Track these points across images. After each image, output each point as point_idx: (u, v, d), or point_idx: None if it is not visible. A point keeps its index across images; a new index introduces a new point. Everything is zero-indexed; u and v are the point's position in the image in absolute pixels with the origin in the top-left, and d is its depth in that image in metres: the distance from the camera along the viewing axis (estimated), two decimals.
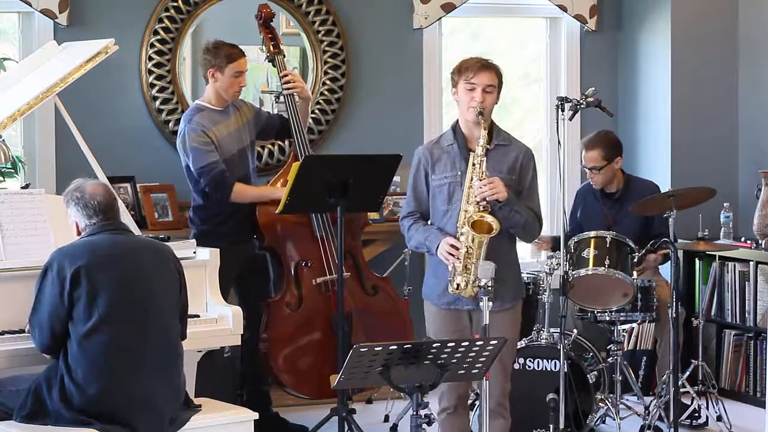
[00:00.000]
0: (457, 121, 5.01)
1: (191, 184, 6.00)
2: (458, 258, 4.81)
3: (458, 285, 4.83)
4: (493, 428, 4.94)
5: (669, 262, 5.99)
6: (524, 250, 6.74)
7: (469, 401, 5.83)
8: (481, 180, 4.82)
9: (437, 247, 4.88)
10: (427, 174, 5.01)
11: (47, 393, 4.37)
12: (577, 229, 6.45)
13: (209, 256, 5.14)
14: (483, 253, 4.79)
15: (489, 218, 4.81)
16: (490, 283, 4.58)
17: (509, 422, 5.04)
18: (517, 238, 5.09)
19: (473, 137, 4.93)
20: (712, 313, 7.08)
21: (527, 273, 6.14)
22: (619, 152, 6.53)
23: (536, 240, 6.40)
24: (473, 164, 4.85)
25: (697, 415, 6.39)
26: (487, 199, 4.81)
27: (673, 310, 5.74)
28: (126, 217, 5.05)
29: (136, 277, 4.44)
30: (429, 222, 5.04)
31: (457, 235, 4.85)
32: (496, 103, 4.97)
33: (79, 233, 4.54)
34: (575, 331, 6.20)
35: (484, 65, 4.94)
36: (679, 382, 5.92)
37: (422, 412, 4.02)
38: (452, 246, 4.83)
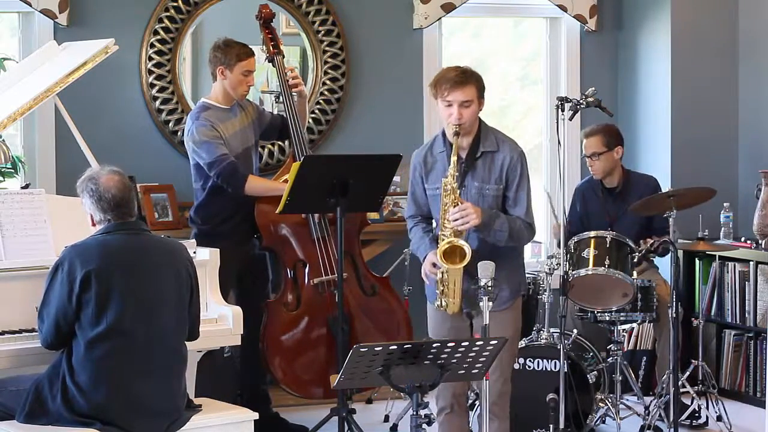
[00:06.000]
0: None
1: (197, 183, 5.99)
2: (435, 276, 4.85)
3: (442, 303, 4.89)
4: (488, 430, 4.93)
5: (669, 261, 5.98)
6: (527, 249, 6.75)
7: (469, 401, 5.85)
8: (454, 207, 4.81)
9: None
10: (423, 180, 5.03)
11: (49, 393, 4.36)
12: (579, 225, 6.46)
13: (209, 256, 5.13)
14: (460, 279, 4.82)
15: (460, 242, 4.80)
16: (490, 283, 4.58)
17: (506, 424, 5.03)
18: None
19: (460, 146, 4.92)
20: (712, 313, 7.08)
21: (527, 273, 6.14)
22: (620, 142, 6.57)
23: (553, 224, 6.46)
24: (446, 191, 4.83)
25: (697, 415, 6.39)
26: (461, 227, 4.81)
27: (673, 310, 5.74)
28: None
29: (147, 284, 4.39)
30: (433, 222, 5.06)
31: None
32: (481, 110, 4.95)
33: (93, 224, 4.48)
34: (575, 331, 6.20)
35: (457, 82, 4.84)
36: (679, 382, 5.91)
37: (422, 412, 4.02)
38: (433, 265, 4.87)
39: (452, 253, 4.79)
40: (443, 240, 4.82)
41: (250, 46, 6.02)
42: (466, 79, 4.87)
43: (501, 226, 4.87)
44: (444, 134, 4.99)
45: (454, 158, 4.82)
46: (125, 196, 4.45)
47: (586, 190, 6.72)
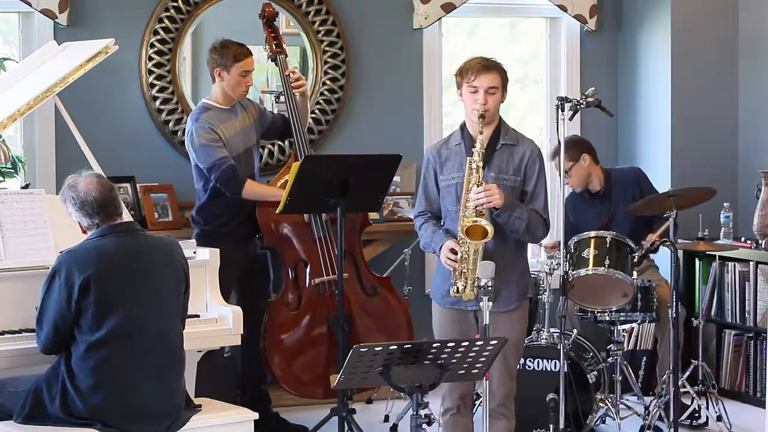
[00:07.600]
0: (465, 121, 5.01)
1: (198, 184, 5.99)
2: (456, 262, 4.82)
3: (458, 289, 4.84)
4: (496, 429, 4.93)
5: (669, 261, 5.98)
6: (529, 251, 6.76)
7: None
8: (478, 186, 4.81)
9: (440, 250, 4.89)
10: (436, 174, 5.00)
11: (47, 396, 4.35)
12: (574, 234, 6.46)
13: (209, 256, 5.13)
14: (479, 257, 4.78)
15: (483, 222, 4.79)
16: (490, 283, 4.57)
17: (513, 423, 5.03)
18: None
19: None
20: (712, 313, 7.08)
21: None
22: (585, 150, 6.54)
23: (545, 244, 6.43)
24: (471, 170, 4.84)
25: (697, 415, 6.39)
26: (483, 205, 4.80)
27: (673, 310, 5.74)
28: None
29: (147, 287, 4.39)
30: (441, 221, 5.04)
31: (458, 239, 4.85)
32: (503, 102, 4.96)
33: (84, 232, 4.47)
34: (575, 331, 6.20)
35: (485, 66, 4.90)
36: (679, 382, 5.92)
37: (422, 412, 4.02)
38: (451, 251, 4.84)
39: (474, 232, 4.78)
40: (464, 219, 4.81)
41: (248, 46, 6.02)
42: (494, 65, 4.93)
43: (521, 214, 4.86)
44: (462, 128, 4.99)
45: (480, 136, 4.82)
46: (107, 197, 4.42)
47: (575, 199, 6.70)
